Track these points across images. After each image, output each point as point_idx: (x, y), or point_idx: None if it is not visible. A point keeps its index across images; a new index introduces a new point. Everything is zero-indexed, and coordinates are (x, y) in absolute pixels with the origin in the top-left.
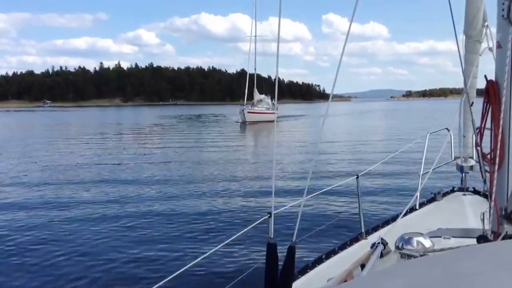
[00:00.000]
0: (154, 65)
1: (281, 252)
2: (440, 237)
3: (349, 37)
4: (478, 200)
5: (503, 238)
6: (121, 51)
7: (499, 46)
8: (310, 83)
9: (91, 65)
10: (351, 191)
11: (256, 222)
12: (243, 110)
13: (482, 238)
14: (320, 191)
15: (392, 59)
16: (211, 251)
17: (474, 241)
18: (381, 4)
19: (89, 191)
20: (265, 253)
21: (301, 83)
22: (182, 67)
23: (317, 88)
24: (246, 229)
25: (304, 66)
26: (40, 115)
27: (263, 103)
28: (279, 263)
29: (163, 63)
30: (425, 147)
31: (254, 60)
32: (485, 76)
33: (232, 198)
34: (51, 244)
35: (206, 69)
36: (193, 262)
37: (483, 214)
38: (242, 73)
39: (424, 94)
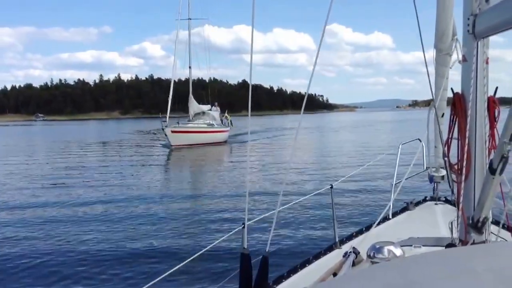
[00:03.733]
0: (162, 78)
1: (256, 262)
2: (411, 245)
3: (354, 47)
4: (449, 209)
5: None
6: (127, 63)
7: (464, 59)
8: (313, 94)
9: (96, 78)
10: (325, 201)
11: (230, 233)
12: (163, 129)
13: (450, 247)
14: (294, 201)
15: (397, 68)
16: (183, 263)
17: (443, 249)
18: (385, 14)
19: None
20: (239, 264)
21: (304, 93)
22: (183, 79)
23: (320, 99)
24: (219, 240)
25: (309, 77)
26: (18, 129)
27: (206, 117)
28: (253, 273)
29: (168, 75)
30: (398, 157)
31: (189, 57)
32: (452, 89)
33: (205, 209)
34: None
35: (207, 80)
36: (165, 275)
37: (451, 223)
38: (244, 84)
39: (430, 103)
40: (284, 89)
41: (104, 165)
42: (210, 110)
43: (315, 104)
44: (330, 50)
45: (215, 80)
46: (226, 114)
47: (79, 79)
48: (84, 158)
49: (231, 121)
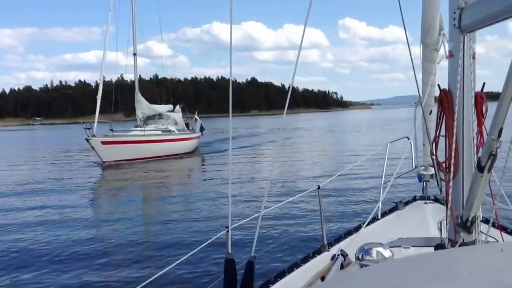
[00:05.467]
0: (168, 77)
1: (241, 267)
2: (400, 246)
3: (369, 42)
4: (439, 208)
5: (460, 246)
6: (132, 63)
7: (451, 55)
8: (326, 91)
9: (98, 79)
10: (313, 202)
11: (213, 237)
12: (88, 139)
13: (439, 247)
14: (280, 203)
15: (414, 63)
16: (166, 269)
17: (432, 250)
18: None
19: None
20: (223, 269)
21: (316, 90)
22: (190, 78)
23: (334, 96)
24: (202, 245)
25: (322, 74)
26: (4, 135)
27: (164, 121)
28: (238, 278)
29: (177, 75)
30: (386, 156)
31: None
32: (438, 85)
33: (187, 213)
34: None
35: (215, 79)
36: (147, 281)
37: (440, 222)
38: (253, 82)
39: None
40: (295, 87)
41: None
42: (172, 111)
43: (329, 102)
44: (344, 45)
45: (223, 78)
46: (195, 116)
47: (79, 80)
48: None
49: (201, 125)
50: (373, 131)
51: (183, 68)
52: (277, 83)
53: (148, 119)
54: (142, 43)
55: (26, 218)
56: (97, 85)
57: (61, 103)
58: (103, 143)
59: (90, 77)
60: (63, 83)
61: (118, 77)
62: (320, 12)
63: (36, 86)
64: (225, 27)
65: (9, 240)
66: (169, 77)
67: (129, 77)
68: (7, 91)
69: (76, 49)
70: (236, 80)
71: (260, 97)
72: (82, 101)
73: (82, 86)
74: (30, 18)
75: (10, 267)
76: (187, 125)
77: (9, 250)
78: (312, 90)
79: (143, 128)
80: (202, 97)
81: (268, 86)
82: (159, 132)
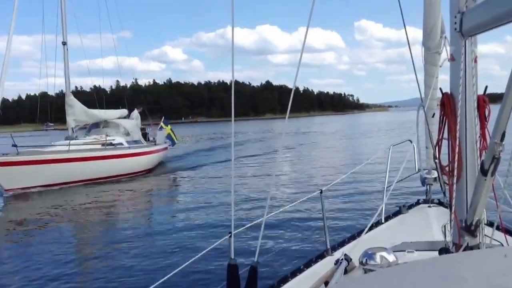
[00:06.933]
0: (182, 82)
1: (244, 273)
2: (404, 251)
3: (386, 43)
4: (443, 212)
5: (464, 250)
6: (149, 68)
7: (453, 58)
8: (342, 93)
9: (113, 84)
10: (315, 207)
11: (216, 243)
12: None
13: (443, 251)
14: (283, 208)
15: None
16: (169, 275)
17: (437, 253)
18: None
19: None
20: (226, 275)
21: (332, 93)
22: (204, 82)
23: (350, 98)
24: (205, 251)
25: (338, 76)
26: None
27: (110, 130)
28: (241, 284)
29: (192, 79)
30: (389, 160)
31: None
32: (440, 89)
33: (190, 219)
34: None
35: (228, 83)
36: (152, 287)
37: (444, 226)
38: (267, 85)
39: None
40: (310, 89)
41: None
42: (127, 117)
43: (345, 104)
44: (360, 47)
45: (236, 81)
46: (161, 123)
47: (94, 86)
48: None
49: (175, 135)
50: (383, 137)
51: (198, 73)
52: (292, 85)
53: (92, 128)
54: (158, 48)
55: None
56: (111, 89)
57: None
58: (1, 164)
59: (107, 83)
60: (79, 88)
61: (132, 81)
62: (336, 15)
63: (49, 92)
64: (239, 31)
65: None
66: (182, 81)
67: (144, 81)
68: (23, 97)
69: (92, 55)
70: (250, 84)
71: (275, 100)
72: (95, 107)
73: (97, 91)
74: (46, 25)
75: None
76: (144, 135)
77: None
78: (328, 92)
79: (81, 140)
80: (216, 101)
81: (283, 89)
82: (98, 146)
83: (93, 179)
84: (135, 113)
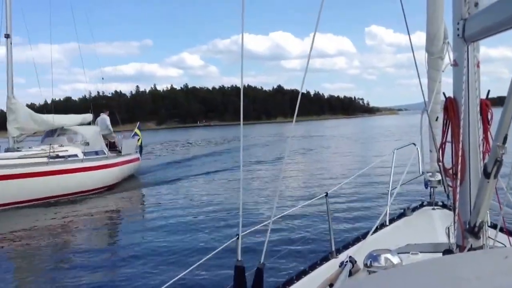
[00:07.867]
0: (197, 87)
1: (250, 274)
2: (409, 252)
3: (396, 48)
4: (447, 214)
5: (468, 251)
6: (168, 74)
7: (456, 64)
8: (353, 97)
9: (133, 90)
10: (321, 210)
11: (224, 245)
12: None
13: (447, 252)
14: (289, 211)
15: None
16: (178, 277)
17: (441, 255)
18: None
19: None
20: (233, 276)
21: (342, 97)
22: (218, 87)
23: (361, 102)
24: (213, 253)
25: (349, 80)
26: None
27: (66, 139)
28: (247, 285)
29: (208, 84)
30: (393, 163)
31: None
32: (444, 94)
33: (199, 220)
34: None
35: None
36: None
37: (448, 228)
38: (279, 89)
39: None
40: (321, 93)
41: None
42: (90, 123)
43: (355, 108)
44: (371, 52)
45: (249, 86)
46: (135, 129)
47: (115, 91)
48: None
49: (141, 142)
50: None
51: (214, 78)
52: (303, 89)
53: (47, 136)
54: (176, 55)
55: None
56: (132, 95)
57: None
58: None
59: (129, 88)
60: (101, 93)
61: (151, 87)
62: (346, 20)
63: (73, 97)
64: (253, 38)
65: None
66: (198, 86)
67: (162, 87)
68: (49, 101)
69: (116, 62)
70: (262, 88)
71: (286, 104)
72: (117, 111)
73: (118, 96)
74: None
75: None
76: (111, 144)
77: None
78: (338, 96)
79: (6, 153)
80: (229, 105)
81: (294, 93)
82: (44, 160)
83: (31, 200)
84: (102, 117)
